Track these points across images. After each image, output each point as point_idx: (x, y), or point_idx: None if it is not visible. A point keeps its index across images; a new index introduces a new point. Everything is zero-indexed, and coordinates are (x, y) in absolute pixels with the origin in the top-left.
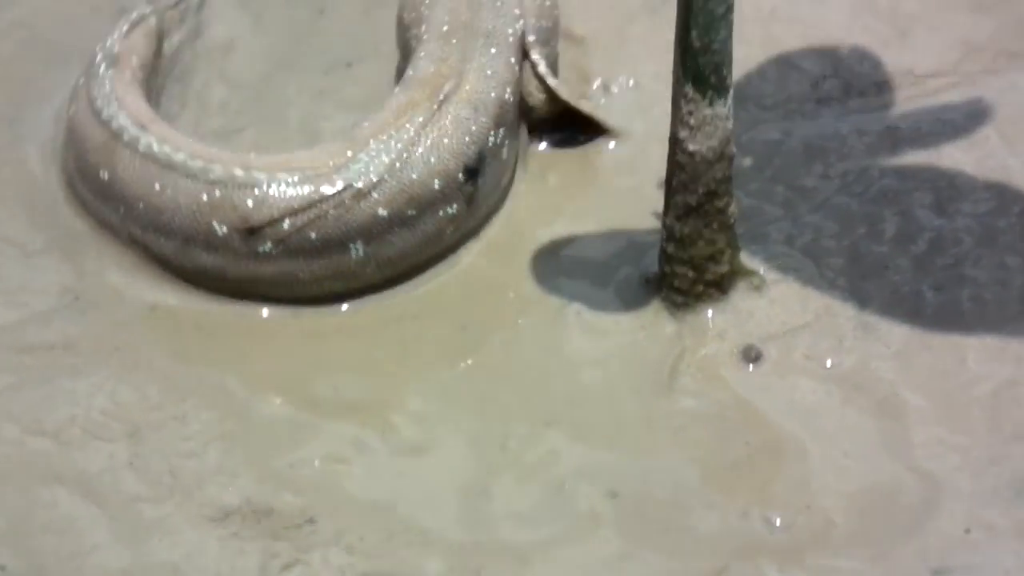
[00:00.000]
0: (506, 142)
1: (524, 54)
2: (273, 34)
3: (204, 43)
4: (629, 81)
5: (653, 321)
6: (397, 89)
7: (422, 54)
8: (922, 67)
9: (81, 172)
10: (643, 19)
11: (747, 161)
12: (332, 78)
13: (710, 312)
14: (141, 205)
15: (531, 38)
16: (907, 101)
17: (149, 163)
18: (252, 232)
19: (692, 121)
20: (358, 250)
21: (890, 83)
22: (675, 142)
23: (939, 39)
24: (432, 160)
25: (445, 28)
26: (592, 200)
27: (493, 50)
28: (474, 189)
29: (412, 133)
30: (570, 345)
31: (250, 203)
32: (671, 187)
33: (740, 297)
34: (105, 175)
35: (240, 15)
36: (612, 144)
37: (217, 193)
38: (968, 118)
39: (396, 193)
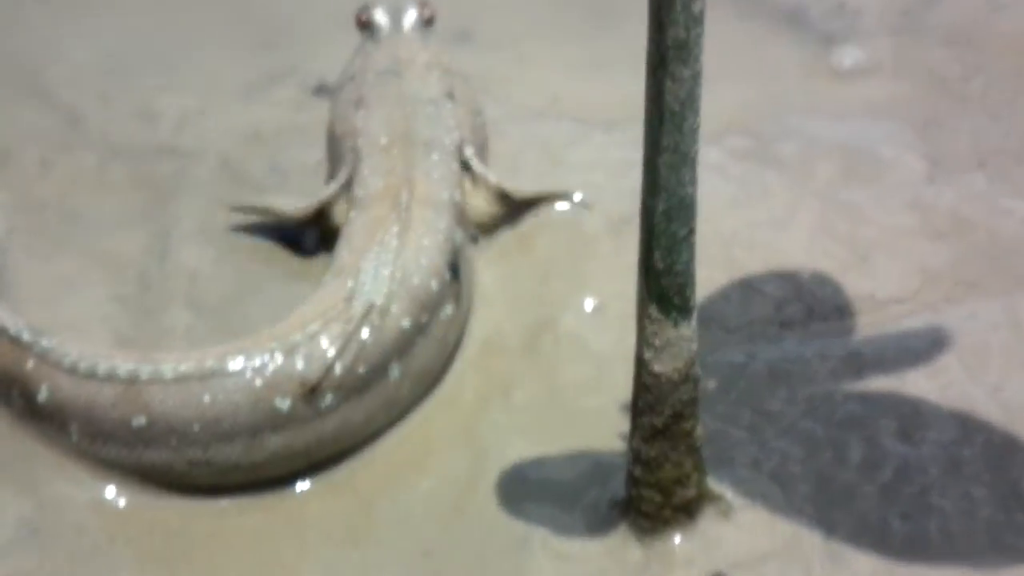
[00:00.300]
0: (466, 242)
1: (464, 165)
2: (237, 260)
3: (168, 270)
4: (593, 302)
5: (620, 547)
6: (352, 213)
7: (366, 171)
8: (883, 293)
9: (98, 436)
10: (606, 241)
11: (712, 383)
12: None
13: (677, 538)
14: (196, 427)
15: (469, 150)
16: (869, 326)
17: (187, 384)
18: (313, 391)
19: (657, 342)
20: (395, 371)
21: (851, 308)
22: (640, 363)
23: (898, 266)
24: (424, 262)
25: (384, 140)
26: (557, 420)
27: (435, 156)
28: (459, 286)
29: (396, 243)
30: (536, 573)
31: (300, 364)
32: (637, 408)
33: (707, 523)
34: (142, 420)
35: (205, 243)
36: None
37: (268, 372)
38: (930, 345)
39: (409, 301)
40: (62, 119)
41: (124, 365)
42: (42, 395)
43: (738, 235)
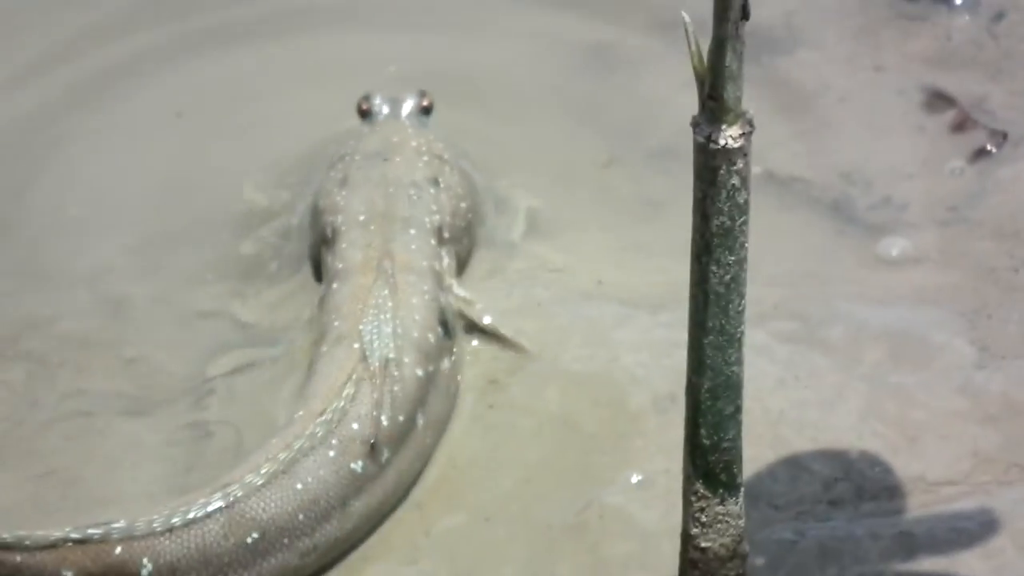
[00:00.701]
0: (450, 310)
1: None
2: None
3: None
4: (638, 477)
5: None
6: (335, 285)
7: (344, 245)
8: (933, 475)
9: (219, 573)
10: (651, 418)
11: (760, 560)
12: None
13: None
14: (301, 516)
15: (446, 235)
16: (920, 507)
17: (279, 481)
18: (374, 447)
19: (704, 518)
20: (420, 419)
21: (902, 489)
22: (687, 539)
23: (949, 448)
24: (417, 318)
25: (362, 217)
26: None
27: (412, 231)
28: (452, 343)
29: (389, 303)
30: None
31: (355, 426)
32: None
33: None
34: (256, 534)
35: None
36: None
37: (336, 441)
38: (983, 527)
39: (415, 352)
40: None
41: (214, 496)
42: (146, 569)
43: (785, 415)
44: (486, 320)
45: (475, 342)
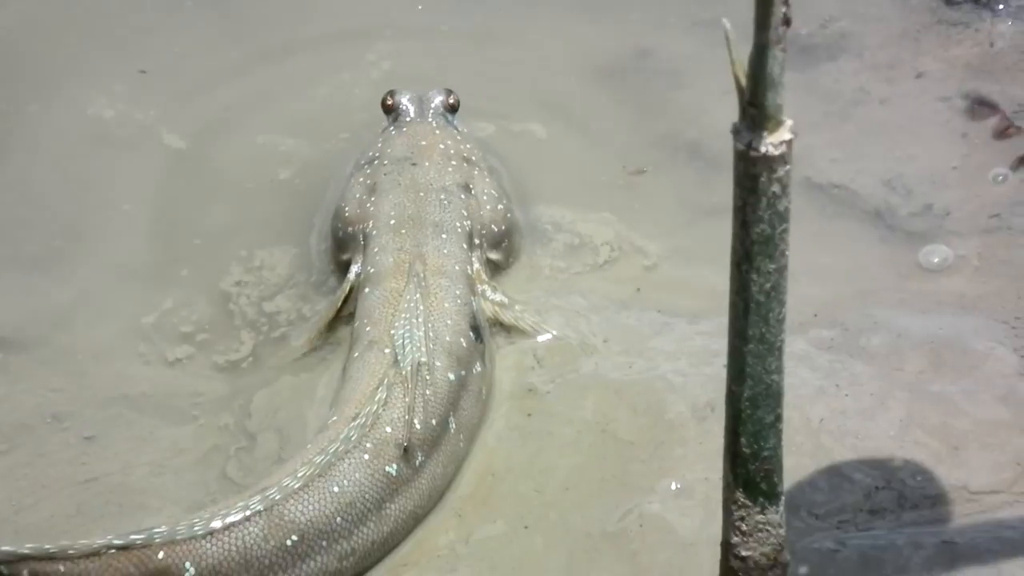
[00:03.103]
0: (481, 315)
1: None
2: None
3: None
4: (677, 486)
5: None
6: (367, 289)
7: (376, 249)
8: (976, 484)
9: None
10: (691, 427)
11: (801, 570)
12: None
13: None
14: (339, 519)
15: (477, 240)
16: (963, 517)
17: (316, 484)
18: (407, 450)
19: (744, 527)
20: (452, 423)
21: (944, 498)
22: (727, 547)
23: (992, 458)
24: (449, 322)
25: (392, 222)
26: None
27: (444, 236)
28: (484, 347)
29: (421, 307)
30: None
31: (388, 429)
32: None
33: None
34: (295, 537)
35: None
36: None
37: (370, 444)
38: None
39: (446, 356)
40: None
41: (254, 499)
42: (189, 573)
43: (826, 423)
44: (526, 319)
45: (512, 348)
